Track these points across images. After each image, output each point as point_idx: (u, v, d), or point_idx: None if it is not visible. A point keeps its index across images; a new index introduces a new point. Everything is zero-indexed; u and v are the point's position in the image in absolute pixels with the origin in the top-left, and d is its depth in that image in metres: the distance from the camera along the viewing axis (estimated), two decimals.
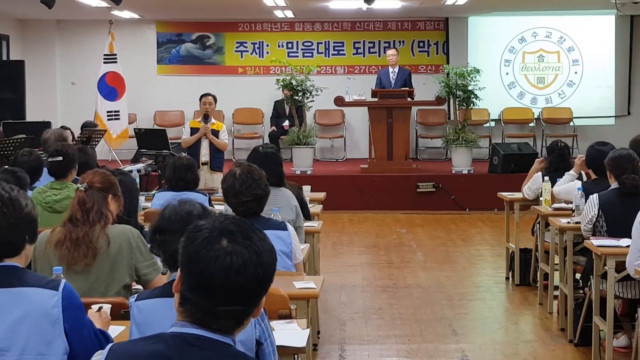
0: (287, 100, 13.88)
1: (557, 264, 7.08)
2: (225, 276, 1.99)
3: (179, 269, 2.07)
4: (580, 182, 6.91)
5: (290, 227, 4.85)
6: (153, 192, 8.00)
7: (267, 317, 2.99)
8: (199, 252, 2.01)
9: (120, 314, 3.77)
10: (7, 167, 6.25)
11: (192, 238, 2.04)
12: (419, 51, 16.49)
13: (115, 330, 3.51)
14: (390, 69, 14.28)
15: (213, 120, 10.19)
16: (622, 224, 5.60)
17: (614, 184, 5.95)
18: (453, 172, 13.51)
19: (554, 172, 7.67)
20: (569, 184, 7.15)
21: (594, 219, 5.87)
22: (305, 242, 5.80)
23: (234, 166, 4.81)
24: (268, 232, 4.69)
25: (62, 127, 10.27)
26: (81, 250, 4.07)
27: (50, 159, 6.03)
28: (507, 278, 8.53)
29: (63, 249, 4.08)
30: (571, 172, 7.37)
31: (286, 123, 15.22)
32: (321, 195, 8.43)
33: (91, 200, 4.16)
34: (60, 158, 5.98)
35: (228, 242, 2.01)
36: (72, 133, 9.69)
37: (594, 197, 5.90)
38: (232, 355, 2.04)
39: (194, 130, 10.11)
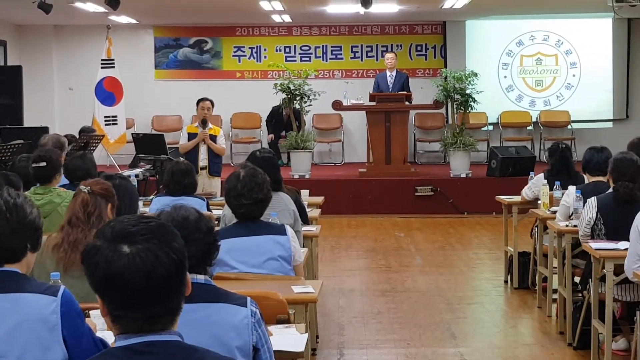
0: (284, 104, 13.83)
1: (555, 267, 7.07)
2: (145, 278, 1.95)
3: (97, 297, 2.03)
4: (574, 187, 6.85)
5: (289, 230, 4.83)
6: (151, 197, 7.99)
7: (264, 323, 2.98)
8: (109, 269, 1.97)
9: None
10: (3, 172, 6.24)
11: (95, 260, 1.99)
12: (417, 55, 16.50)
13: (113, 336, 3.48)
14: (388, 73, 14.28)
15: (210, 125, 10.18)
16: (620, 228, 5.59)
17: (612, 187, 5.95)
18: (451, 175, 13.50)
19: (556, 175, 7.56)
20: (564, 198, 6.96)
21: (592, 222, 5.86)
22: (303, 247, 5.78)
23: (240, 168, 4.81)
24: (266, 237, 4.71)
25: (66, 135, 10.24)
26: (79, 252, 4.04)
27: (34, 165, 6.03)
28: (506, 281, 8.52)
29: (60, 251, 4.07)
30: None
31: (283, 133, 15.10)
32: (319, 199, 8.43)
33: (94, 204, 4.17)
34: (44, 163, 6.00)
35: (129, 245, 1.97)
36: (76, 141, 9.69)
37: (593, 200, 5.90)
38: (184, 351, 2.02)
39: (191, 136, 10.09)
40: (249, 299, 2.99)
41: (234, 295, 3.00)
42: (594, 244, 5.68)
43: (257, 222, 4.71)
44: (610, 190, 5.94)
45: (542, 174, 7.79)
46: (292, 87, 13.39)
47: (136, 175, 10.04)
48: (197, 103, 10.36)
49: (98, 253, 1.99)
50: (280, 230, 4.77)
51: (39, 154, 6.13)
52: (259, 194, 4.64)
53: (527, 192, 7.98)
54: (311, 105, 13.66)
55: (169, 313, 2.03)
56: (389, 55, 14.52)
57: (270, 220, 4.94)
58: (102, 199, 4.21)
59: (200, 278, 3.03)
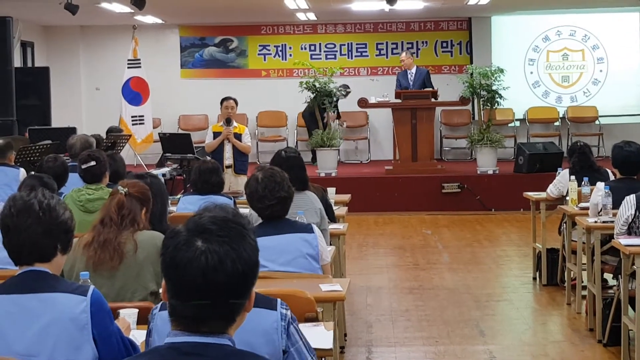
0: (312, 103, 13.72)
1: (584, 264, 7.03)
2: (203, 277, 1.95)
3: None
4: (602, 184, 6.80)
5: (316, 229, 4.82)
6: (178, 196, 8.01)
7: (296, 322, 2.91)
8: (176, 257, 1.98)
9: (147, 318, 3.76)
10: (33, 173, 6.30)
11: (169, 244, 2.02)
12: (442, 51, 16.46)
13: (143, 335, 3.49)
14: (408, 70, 14.21)
15: (235, 124, 10.20)
16: None
17: None
18: (478, 172, 13.45)
19: (579, 171, 7.63)
20: (593, 197, 6.93)
21: (630, 220, 5.80)
22: (330, 245, 5.79)
23: (256, 170, 4.80)
24: (294, 236, 4.70)
25: (94, 135, 10.30)
26: (108, 252, 4.07)
27: (83, 166, 6.09)
28: (534, 278, 8.47)
29: (90, 249, 4.09)
30: None
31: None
32: (346, 197, 8.41)
33: (129, 206, 4.18)
34: (94, 163, 6.09)
35: (203, 241, 1.98)
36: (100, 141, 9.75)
37: (632, 198, 5.82)
38: (230, 355, 2.00)
39: (216, 135, 10.11)
40: (278, 300, 2.92)
41: (262, 298, 2.91)
42: (624, 240, 5.64)
43: (284, 220, 4.71)
44: None
45: (566, 171, 7.83)
46: (317, 85, 13.37)
47: (163, 175, 10.06)
48: (221, 102, 10.38)
49: (174, 238, 2.01)
50: (307, 229, 4.76)
51: (88, 154, 6.23)
52: (281, 192, 4.63)
53: (552, 189, 8.00)
54: (337, 103, 13.65)
55: (220, 319, 2.02)
56: (401, 56, 14.39)
57: (297, 219, 4.94)
58: (138, 202, 4.22)
59: None
